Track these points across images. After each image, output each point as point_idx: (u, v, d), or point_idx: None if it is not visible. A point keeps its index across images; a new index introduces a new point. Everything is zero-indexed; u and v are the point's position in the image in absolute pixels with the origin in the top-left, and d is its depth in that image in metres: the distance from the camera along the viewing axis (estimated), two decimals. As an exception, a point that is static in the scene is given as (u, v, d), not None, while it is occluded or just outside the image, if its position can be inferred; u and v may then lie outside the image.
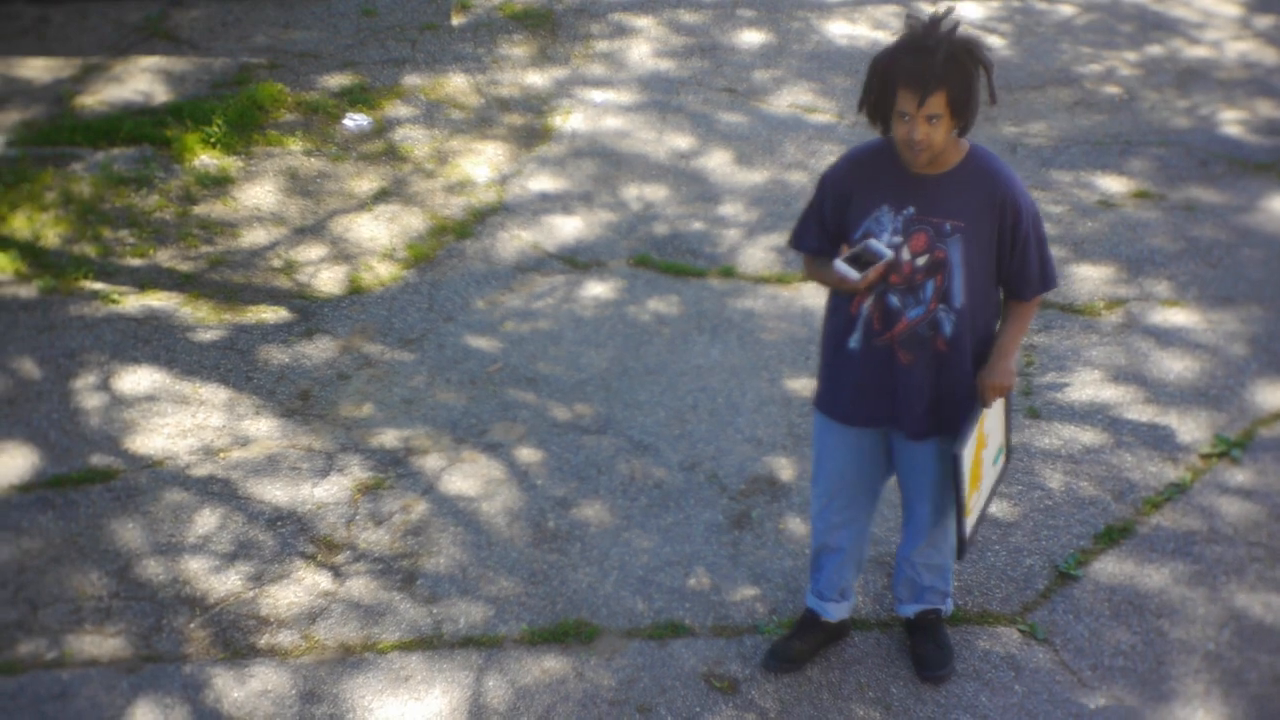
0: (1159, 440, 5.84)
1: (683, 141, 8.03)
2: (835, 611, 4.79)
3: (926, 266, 4.06)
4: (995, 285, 4.21)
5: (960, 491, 4.31)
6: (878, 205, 4.08)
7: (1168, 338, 6.45)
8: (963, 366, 4.21)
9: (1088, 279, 6.84)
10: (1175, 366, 6.27)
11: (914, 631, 4.85)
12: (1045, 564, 5.24)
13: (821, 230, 4.25)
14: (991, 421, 4.41)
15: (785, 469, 5.68)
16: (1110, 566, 5.23)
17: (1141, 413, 5.99)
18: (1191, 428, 5.90)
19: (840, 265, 4.01)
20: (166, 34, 9.02)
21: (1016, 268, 4.14)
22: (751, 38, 9.27)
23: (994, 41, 9.26)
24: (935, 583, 4.75)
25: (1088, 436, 5.85)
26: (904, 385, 4.22)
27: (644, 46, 9.12)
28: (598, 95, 8.48)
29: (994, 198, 4.04)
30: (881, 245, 4.02)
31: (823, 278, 4.24)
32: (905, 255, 4.06)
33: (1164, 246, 7.14)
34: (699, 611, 5.04)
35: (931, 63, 3.79)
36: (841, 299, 4.25)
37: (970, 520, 4.46)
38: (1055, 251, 7.04)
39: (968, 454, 4.27)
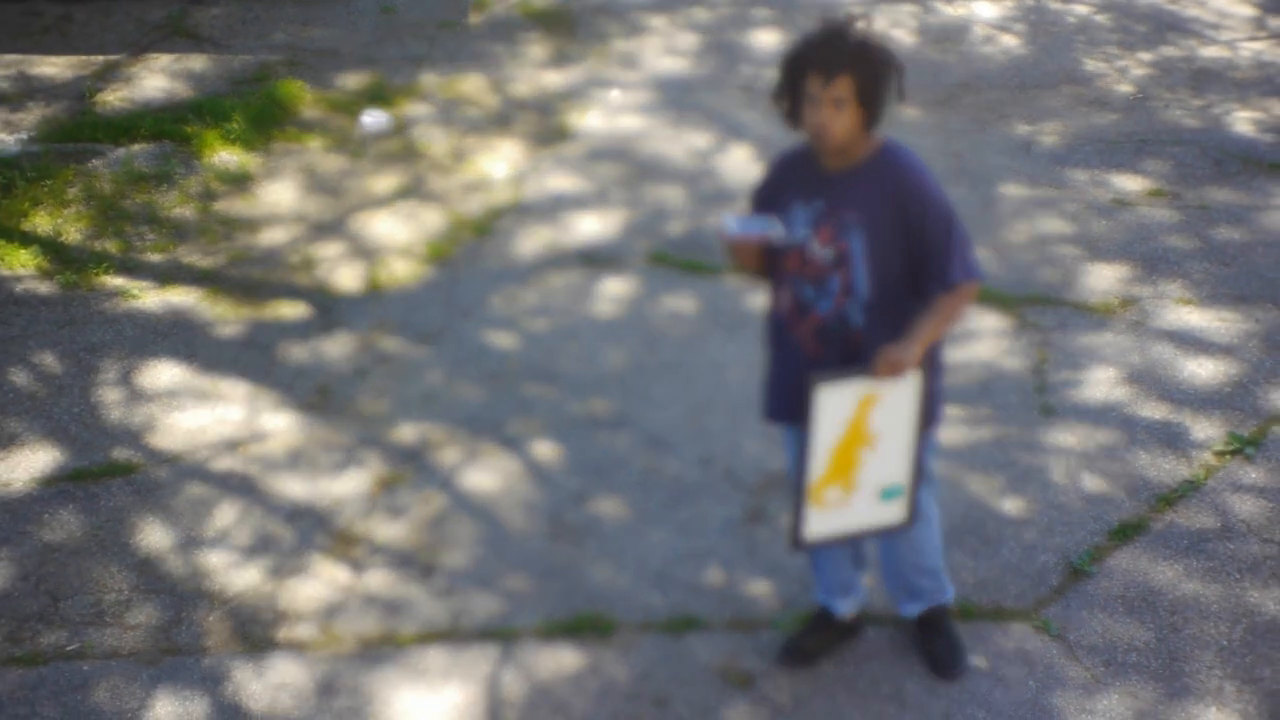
0: (1173, 438, 5.85)
1: (699, 140, 8.05)
2: (843, 606, 4.80)
3: (833, 259, 4.10)
4: (910, 280, 4.16)
5: (808, 448, 4.07)
6: (792, 200, 4.15)
7: (1182, 336, 6.46)
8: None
9: (1102, 277, 6.85)
10: (1189, 365, 6.27)
11: (922, 629, 4.86)
12: (1059, 560, 5.25)
13: None
14: (885, 420, 4.15)
15: (800, 465, 5.69)
16: (1124, 563, 5.24)
17: (1155, 410, 6.00)
18: (1205, 425, 5.91)
19: (724, 218, 4.11)
20: (187, 32, 9.08)
21: (922, 259, 4.10)
22: (767, 37, 9.30)
23: (1008, 41, 9.27)
24: (928, 582, 4.74)
25: (1101, 434, 5.86)
26: (812, 368, 4.16)
27: (661, 45, 9.14)
28: (615, 94, 8.50)
29: (899, 190, 4.04)
30: (776, 221, 4.09)
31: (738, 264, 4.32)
32: (815, 248, 4.11)
33: (1178, 245, 7.15)
34: (715, 605, 5.07)
35: (840, 47, 3.89)
36: (770, 296, 4.32)
37: (818, 519, 4.21)
38: (1069, 250, 7.06)
39: (832, 405, 4.05)
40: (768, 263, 4.25)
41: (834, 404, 4.07)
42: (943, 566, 4.78)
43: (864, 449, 4.18)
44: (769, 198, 4.25)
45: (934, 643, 4.82)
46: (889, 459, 4.22)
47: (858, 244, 4.07)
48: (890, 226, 4.07)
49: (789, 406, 4.28)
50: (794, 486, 4.22)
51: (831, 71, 3.88)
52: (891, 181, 4.06)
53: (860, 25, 3.99)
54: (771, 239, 4.10)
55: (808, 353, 4.23)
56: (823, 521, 4.23)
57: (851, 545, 4.66)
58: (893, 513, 4.33)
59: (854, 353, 4.17)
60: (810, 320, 4.20)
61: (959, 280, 4.12)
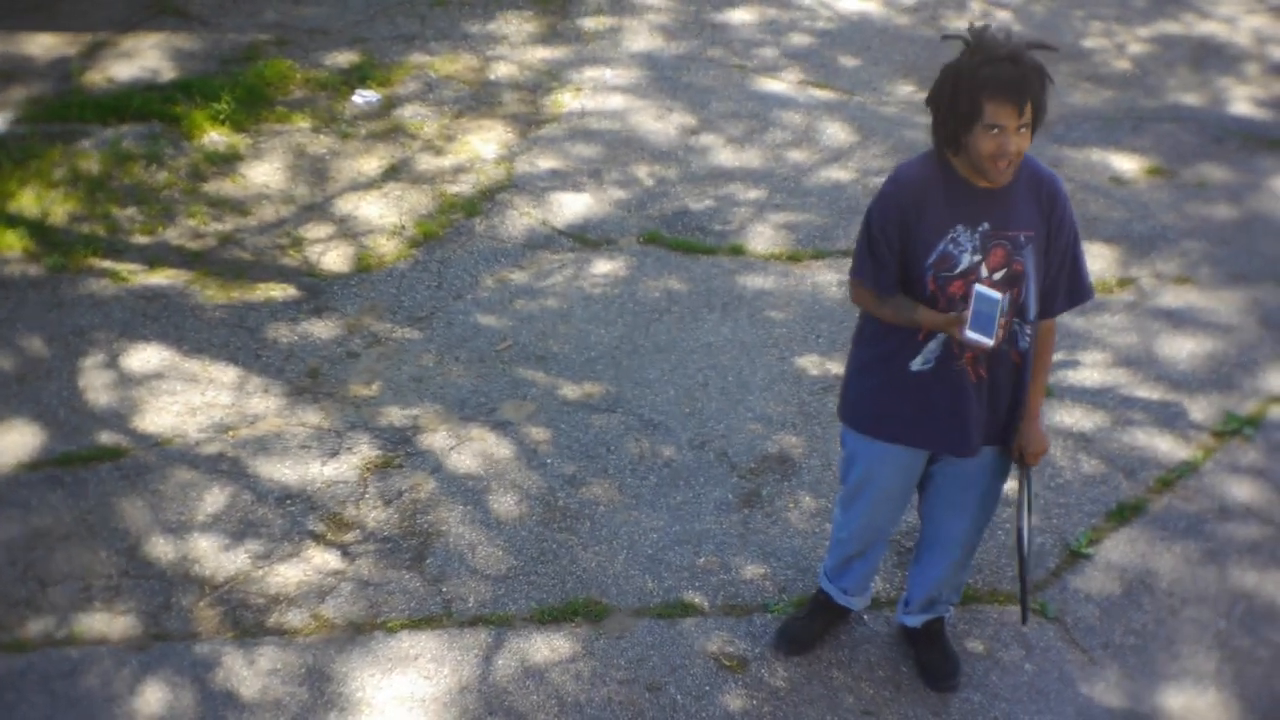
0: (1170, 419, 5.81)
1: (692, 119, 7.99)
2: (859, 604, 4.77)
3: (1005, 280, 3.91)
4: (1046, 300, 4.06)
5: (1025, 565, 4.34)
6: (951, 225, 3.88)
7: (1179, 316, 6.42)
8: (1015, 379, 4.11)
9: (1099, 257, 6.80)
10: (1186, 345, 6.24)
11: (918, 640, 4.78)
12: (1056, 542, 5.22)
13: (893, 263, 3.99)
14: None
15: (796, 447, 5.66)
16: (1121, 545, 5.21)
17: (1153, 391, 5.97)
18: (1203, 406, 5.88)
19: (967, 334, 3.78)
20: (176, 10, 8.99)
21: (1056, 270, 4.00)
22: (759, 15, 9.23)
23: (1002, 15, 9.20)
24: (952, 597, 4.69)
25: (1099, 415, 5.83)
26: (971, 404, 4.07)
27: (654, 24, 9.08)
28: (607, 73, 8.44)
29: (1044, 198, 3.92)
30: (989, 289, 3.80)
31: (908, 318, 4.00)
32: (984, 272, 3.90)
33: (1175, 224, 7.10)
34: (708, 590, 5.04)
35: (1025, 71, 3.66)
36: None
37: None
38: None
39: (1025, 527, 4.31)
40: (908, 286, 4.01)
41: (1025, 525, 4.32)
42: (958, 590, 4.72)
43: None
44: (906, 222, 3.91)
45: (929, 652, 4.74)
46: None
47: (1030, 262, 3.92)
48: (1046, 239, 3.95)
49: (928, 434, 4.16)
50: (1020, 576, 4.43)
51: (1023, 100, 3.66)
52: (1040, 191, 3.92)
53: (1018, 38, 3.76)
54: (1005, 306, 3.84)
55: (973, 379, 4.05)
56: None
57: (882, 554, 4.66)
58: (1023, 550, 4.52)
59: (1015, 374, 4.08)
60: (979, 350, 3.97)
61: (1080, 301, 4.10)
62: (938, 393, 4.07)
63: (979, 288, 3.79)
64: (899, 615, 4.79)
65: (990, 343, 3.75)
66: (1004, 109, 3.67)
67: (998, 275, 3.89)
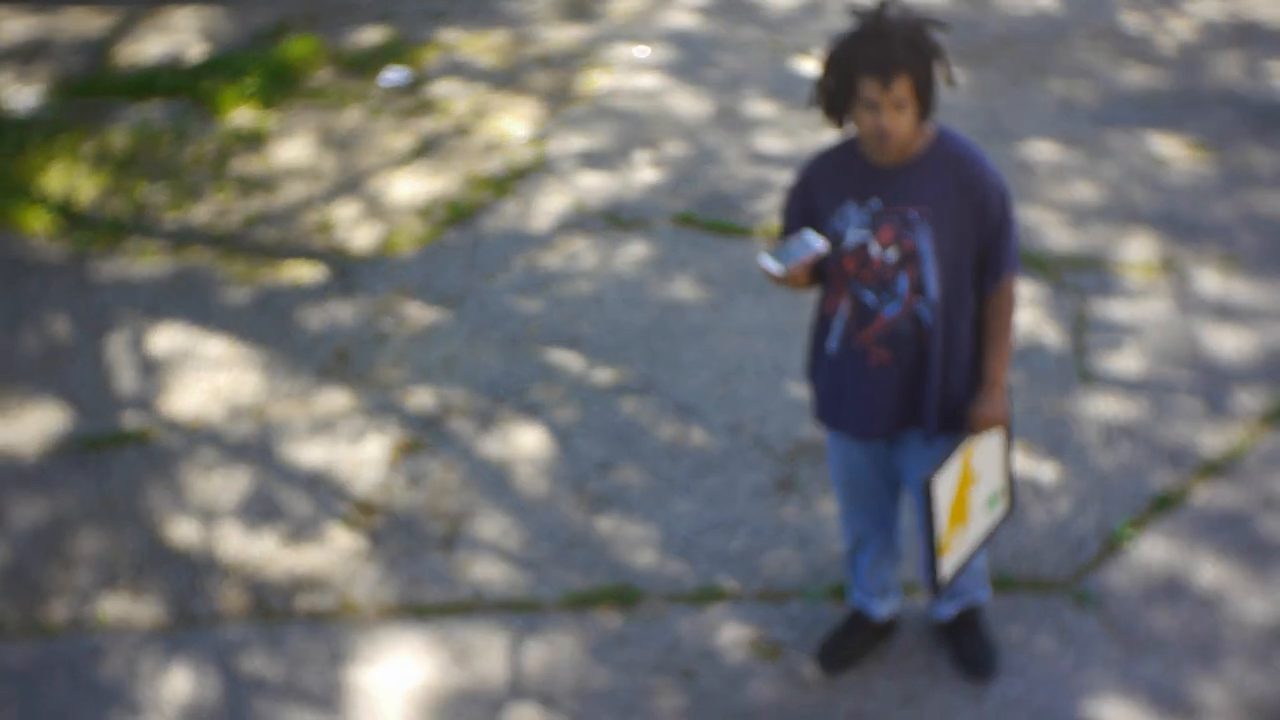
0: (1214, 407, 5.70)
1: (725, 98, 7.91)
2: (882, 609, 4.66)
3: (898, 259, 3.90)
4: (972, 275, 4.02)
5: (933, 521, 4.09)
6: (842, 201, 3.94)
7: (1223, 304, 6.30)
8: (955, 357, 4.04)
9: (1141, 241, 6.69)
10: (1230, 333, 6.12)
11: (954, 631, 4.67)
12: (1097, 531, 5.12)
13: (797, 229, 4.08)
14: (982, 457, 4.19)
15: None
16: (1162, 536, 5.11)
17: (1197, 379, 5.85)
18: (1248, 395, 5.76)
19: (762, 257, 3.89)
20: (204, -13, 8.97)
21: (986, 252, 3.97)
22: (795, -7, 9.14)
23: (1044, -3, 9.08)
24: (966, 581, 4.57)
25: (1140, 403, 5.71)
26: (872, 385, 4.05)
27: (686, 2, 9.00)
28: (639, 51, 8.36)
29: (961, 180, 3.88)
30: (815, 236, 3.89)
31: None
32: (875, 250, 3.91)
33: (1220, 208, 6.98)
34: (742, 576, 4.96)
35: (892, 45, 3.67)
36: (820, 298, 4.12)
37: (950, 560, 4.23)
38: (1107, 213, 6.90)
39: (945, 483, 4.07)
40: (818, 272, 4.04)
41: (945, 483, 4.07)
42: (984, 566, 4.63)
43: (971, 488, 4.20)
44: (810, 203, 4.03)
45: (967, 644, 4.63)
46: (989, 478, 4.27)
47: (925, 240, 3.88)
48: (957, 218, 3.89)
49: (853, 417, 4.14)
50: (923, 545, 4.20)
51: (888, 74, 3.67)
52: (952, 171, 3.89)
53: (899, 13, 3.76)
54: (819, 254, 3.88)
55: (874, 361, 4.02)
56: (952, 560, 4.24)
57: (888, 545, 4.55)
58: (999, 512, 4.38)
59: (923, 356, 4.01)
60: (875, 326, 3.98)
61: (1006, 273, 4.01)
62: (845, 374, 4.10)
63: (806, 231, 3.94)
64: (932, 612, 4.71)
65: (774, 269, 3.84)
66: (872, 84, 3.70)
67: (888, 251, 3.90)
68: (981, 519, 4.30)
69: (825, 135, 7.51)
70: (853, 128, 3.91)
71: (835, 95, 3.81)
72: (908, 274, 3.90)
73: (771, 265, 3.85)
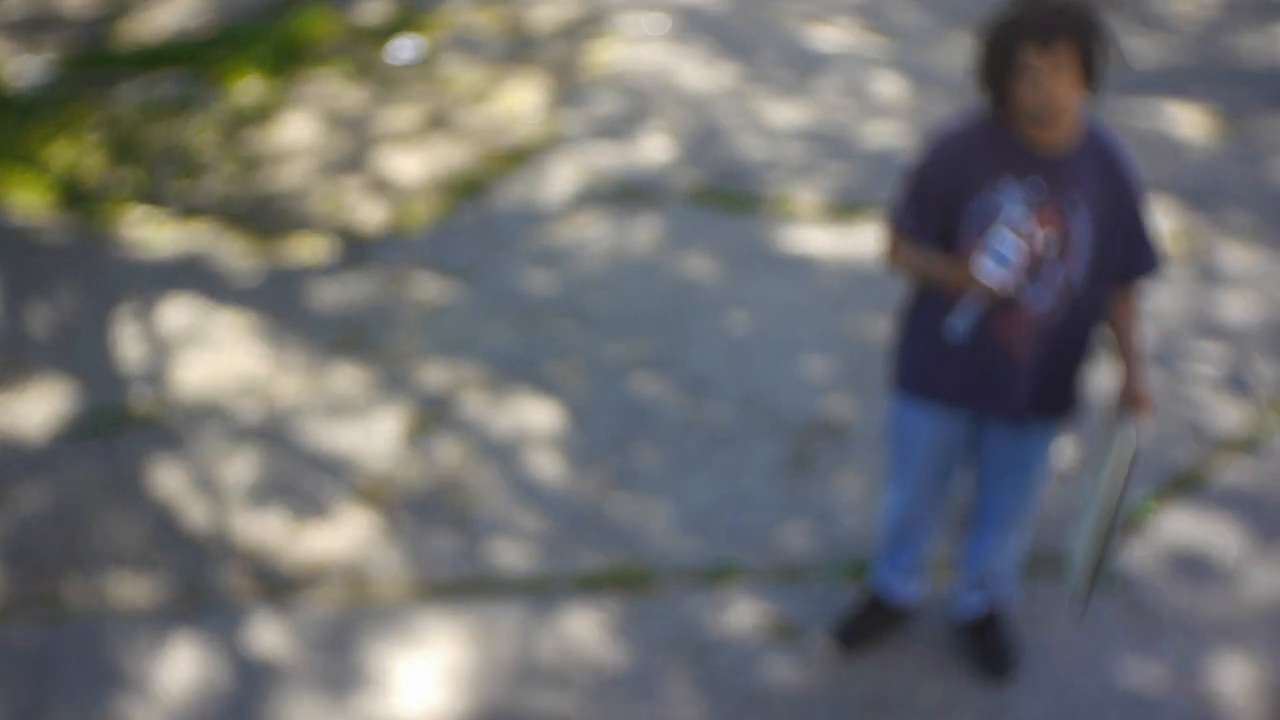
0: (1232, 387, 5.65)
1: (738, 69, 7.84)
2: (906, 588, 4.58)
3: (1056, 246, 3.73)
4: (1109, 272, 3.89)
5: (1119, 500, 3.82)
6: (997, 176, 3.71)
7: (1242, 279, 6.24)
8: (1076, 350, 3.94)
9: (1158, 213, 6.62)
10: (1250, 309, 6.06)
11: (974, 632, 4.57)
12: (1117, 510, 5.07)
13: (932, 210, 3.83)
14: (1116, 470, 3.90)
15: (846, 408, 5.52)
16: (1182, 517, 5.06)
17: (1214, 357, 5.80)
18: (1267, 374, 5.70)
19: (987, 265, 3.62)
20: (211, -41, 8.90)
21: (1124, 238, 3.83)
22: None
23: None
24: (1003, 583, 4.49)
25: (1157, 381, 5.64)
26: (1007, 368, 3.90)
27: (698, -28, 8.93)
28: (649, 21, 8.30)
29: (1110, 174, 3.76)
30: (1011, 234, 3.63)
31: (927, 268, 3.86)
32: (1035, 233, 3.70)
33: (1238, 183, 6.91)
34: (756, 553, 4.91)
35: (1059, 11, 3.53)
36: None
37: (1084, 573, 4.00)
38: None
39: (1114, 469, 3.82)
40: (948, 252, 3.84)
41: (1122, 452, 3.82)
42: (1016, 562, 4.52)
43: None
44: (952, 187, 3.77)
45: (985, 643, 4.53)
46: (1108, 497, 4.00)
47: (1083, 226, 3.73)
48: (1108, 215, 3.77)
49: (970, 395, 3.99)
50: (1084, 555, 3.97)
51: (1050, 36, 3.50)
52: (1108, 168, 3.76)
53: None
54: (1024, 259, 3.65)
55: (1010, 345, 3.86)
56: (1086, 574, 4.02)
57: (934, 522, 4.46)
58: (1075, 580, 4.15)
59: (1054, 351, 3.90)
60: (1020, 316, 3.80)
61: (1138, 275, 3.92)
62: (979, 355, 3.91)
63: (1002, 228, 3.64)
64: (954, 605, 4.62)
65: (1002, 278, 3.61)
66: (1032, 48, 3.52)
67: (1047, 234, 3.72)
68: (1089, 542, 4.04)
69: (843, 110, 7.44)
70: (998, 113, 3.71)
71: (993, 68, 3.61)
72: (1064, 262, 3.74)
73: (999, 275, 3.60)
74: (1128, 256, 3.87)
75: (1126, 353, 3.96)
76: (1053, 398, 4.01)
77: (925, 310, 3.99)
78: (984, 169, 3.73)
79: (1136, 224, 3.86)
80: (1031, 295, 3.78)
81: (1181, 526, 5.00)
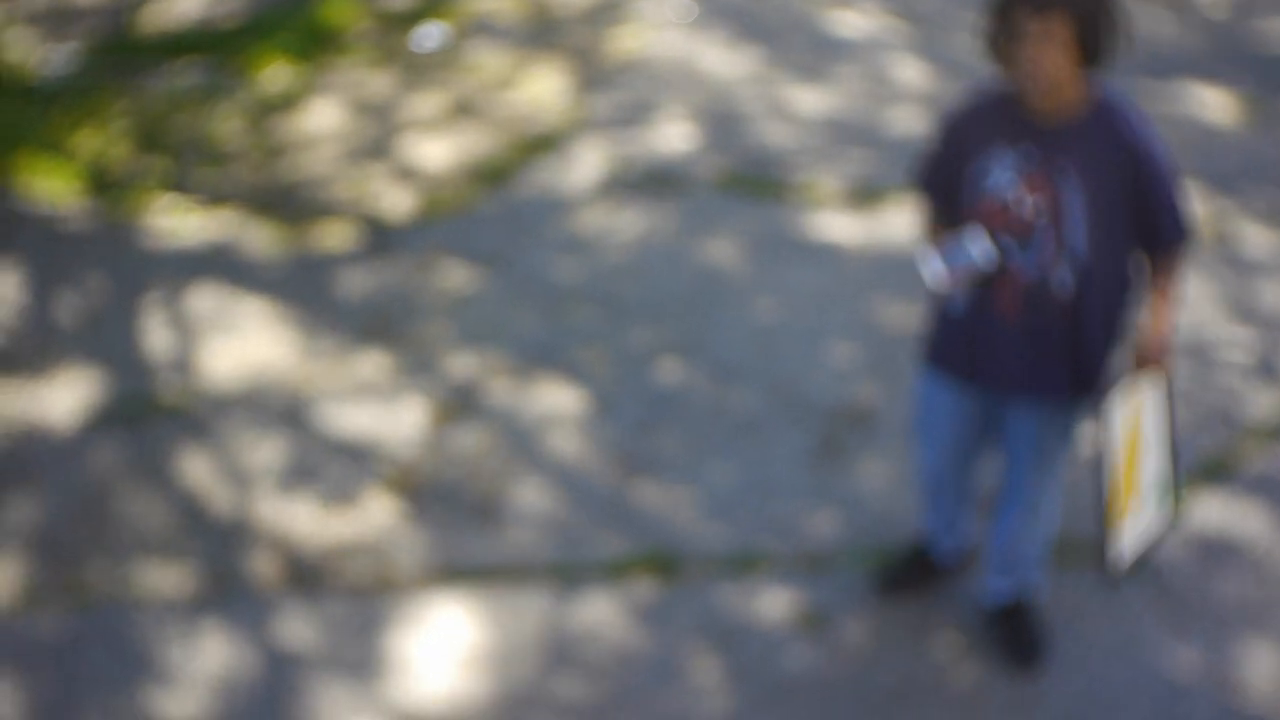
0: (1263, 372, 5.60)
1: (762, 54, 7.80)
2: (949, 542, 4.58)
3: (1043, 211, 3.75)
4: (1129, 246, 3.88)
5: (1106, 465, 3.81)
6: (991, 142, 3.80)
7: (1271, 264, 6.19)
8: (1089, 329, 3.90)
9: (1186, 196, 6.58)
10: (1278, 290, 6.02)
11: (1001, 621, 4.53)
12: (1145, 497, 5.04)
13: (940, 168, 4.00)
14: (1152, 420, 3.93)
15: (873, 395, 5.50)
16: (1212, 505, 5.02)
17: (1244, 343, 5.75)
18: (1299, 354, 5.67)
19: (932, 263, 3.71)
20: (236, -54, 8.90)
21: (1144, 222, 3.83)
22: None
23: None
24: (1028, 569, 4.44)
25: (1185, 367, 5.60)
26: (1003, 340, 3.92)
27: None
28: (672, 6, 8.26)
29: (1123, 150, 3.75)
30: (978, 240, 3.71)
31: (923, 226, 4.05)
32: (1021, 197, 3.76)
33: (1267, 167, 6.86)
34: (784, 541, 4.90)
35: None
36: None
37: (1125, 535, 3.93)
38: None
39: (1117, 422, 3.81)
40: (952, 213, 3.94)
41: (1118, 413, 3.83)
42: (1043, 547, 4.48)
43: (1141, 454, 3.96)
44: (957, 148, 3.90)
45: (1013, 631, 4.50)
46: (1159, 456, 4.03)
47: (1074, 195, 3.74)
48: (1112, 187, 3.76)
49: (966, 360, 4.03)
50: (1100, 506, 3.93)
51: (1047, 4, 3.54)
52: (1114, 140, 3.75)
53: None
54: (981, 268, 3.71)
55: (1003, 315, 3.89)
56: (1127, 536, 3.96)
57: (965, 490, 4.45)
58: (1166, 512, 4.15)
59: (1060, 324, 3.88)
60: (1011, 280, 3.84)
61: (1167, 243, 3.88)
62: (971, 320, 3.97)
63: (980, 230, 3.74)
64: (982, 598, 4.59)
65: (940, 278, 3.69)
66: (1024, 12, 3.58)
67: (1035, 199, 3.76)
68: (1151, 504, 4.05)
69: (867, 95, 7.41)
70: (1005, 81, 3.80)
71: (995, 34, 3.69)
72: (1053, 228, 3.77)
73: (939, 272, 3.66)
74: (1152, 227, 3.86)
75: (1156, 313, 3.92)
76: (1074, 377, 3.98)
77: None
78: (982, 134, 3.84)
79: (1158, 196, 3.82)
80: (1022, 261, 3.81)
81: (1212, 514, 4.97)
